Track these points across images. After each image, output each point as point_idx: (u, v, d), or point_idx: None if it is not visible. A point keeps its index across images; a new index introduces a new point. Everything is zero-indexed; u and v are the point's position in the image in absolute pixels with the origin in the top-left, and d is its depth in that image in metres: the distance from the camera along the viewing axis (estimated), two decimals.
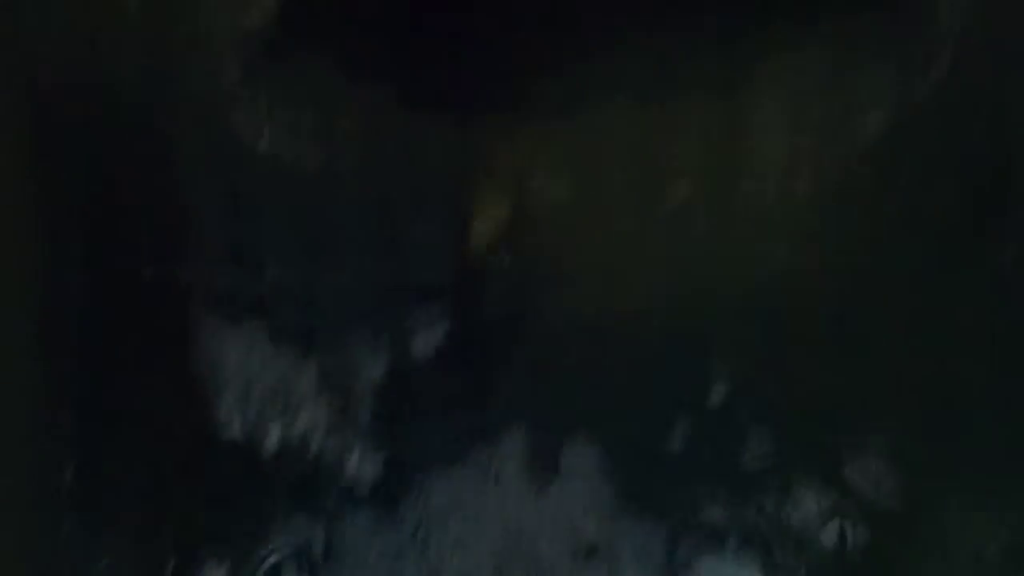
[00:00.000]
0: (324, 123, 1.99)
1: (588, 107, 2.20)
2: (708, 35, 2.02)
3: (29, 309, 1.95)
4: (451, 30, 2.11)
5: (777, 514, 1.87)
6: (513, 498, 1.97)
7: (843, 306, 2.09)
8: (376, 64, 2.08)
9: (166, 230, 2.06)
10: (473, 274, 2.14)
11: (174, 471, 2.01)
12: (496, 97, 2.19)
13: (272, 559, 1.95)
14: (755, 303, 2.10)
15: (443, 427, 2.06)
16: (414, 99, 2.14)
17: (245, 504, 1.98)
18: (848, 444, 1.90)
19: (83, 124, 1.83)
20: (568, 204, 2.13)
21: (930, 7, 1.68)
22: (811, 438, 1.93)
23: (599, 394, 2.06)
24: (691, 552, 1.93)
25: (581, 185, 2.15)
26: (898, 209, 2.05)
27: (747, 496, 1.89)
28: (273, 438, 2.07)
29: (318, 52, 2.01)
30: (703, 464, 1.98)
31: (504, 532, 1.98)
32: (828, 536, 1.88)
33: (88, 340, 2.07)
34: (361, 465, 2.06)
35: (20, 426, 1.89)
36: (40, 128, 1.84)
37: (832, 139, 1.99)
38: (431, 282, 2.13)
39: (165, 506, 1.98)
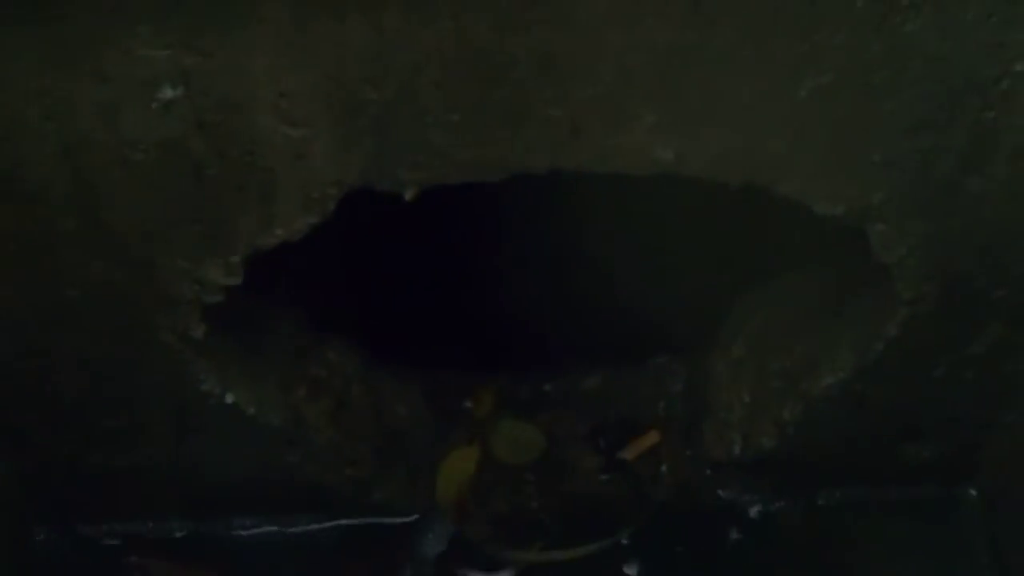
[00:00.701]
0: (287, 377, 1.98)
1: (552, 374, 2.21)
2: (679, 303, 2.05)
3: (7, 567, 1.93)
4: (419, 293, 2.13)
5: None
6: None
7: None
8: (345, 323, 2.09)
9: (136, 486, 2.05)
10: (442, 520, 2.13)
11: None
12: (461, 361, 2.20)
13: None
14: (714, 548, 2.09)
15: None
16: (384, 359, 2.14)
17: None
18: None
19: (61, 398, 1.84)
20: (527, 463, 2.13)
21: (886, 275, 1.70)
22: None
23: None
24: None
25: (543, 445, 2.15)
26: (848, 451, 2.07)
27: None
28: None
29: (284, 309, 2.02)
30: None
31: None
32: None
33: None
34: None
35: None
36: (9, 413, 1.85)
37: (793, 388, 1.99)
38: (400, 535, 2.12)
39: None
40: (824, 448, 2.06)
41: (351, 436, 2.04)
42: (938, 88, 1.43)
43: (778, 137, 1.51)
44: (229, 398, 1.86)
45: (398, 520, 2.13)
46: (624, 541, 2.12)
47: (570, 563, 2.09)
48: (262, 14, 1.31)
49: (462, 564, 2.10)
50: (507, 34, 1.35)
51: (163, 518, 2.12)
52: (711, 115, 1.48)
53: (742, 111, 1.47)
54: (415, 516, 2.14)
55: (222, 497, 2.08)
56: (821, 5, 1.33)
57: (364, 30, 1.33)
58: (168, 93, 1.39)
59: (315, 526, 2.14)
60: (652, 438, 2.15)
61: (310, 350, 2.04)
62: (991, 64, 1.40)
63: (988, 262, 1.69)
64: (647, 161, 1.54)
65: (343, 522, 2.13)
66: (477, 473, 2.11)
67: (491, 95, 1.43)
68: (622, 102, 1.45)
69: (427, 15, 1.32)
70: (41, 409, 1.87)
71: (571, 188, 1.64)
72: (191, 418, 1.89)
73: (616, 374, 2.20)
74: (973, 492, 2.15)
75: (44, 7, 1.28)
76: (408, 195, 1.55)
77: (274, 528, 2.13)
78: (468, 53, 1.37)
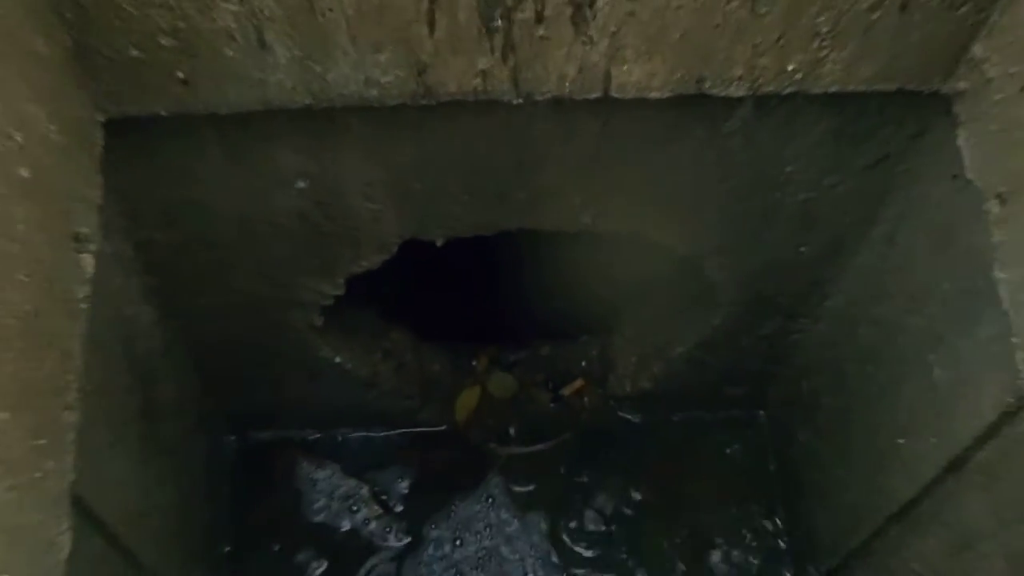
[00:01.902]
0: (370, 347, 1.96)
1: (523, 345, 2.19)
2: (596, 305, 2.02)
3: (198, 460, 1.90)
4: (445, 299, 2.10)
5: None
6: None
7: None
8: (403, 316, 2.07)
9: (282, 409, 2.02)
10: (458, 430, 2.10)
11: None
12: (470, 338, 2.18)
13: None
14: (614, 447, 2.06)
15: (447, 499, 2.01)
16: (425, 336, 2.12)
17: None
18: None
19: (238, 359, 1.81)
20: (508, 398, 2.12)
21: (713, 288, 1.68)
22: None
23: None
24: None
25: (516, 386, 2.13)
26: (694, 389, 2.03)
27: None
28: (346, 522, 2.00)
29: (369, 308, 2.00)
30: None
31: None
32: None
33: (236, 481, 2.01)
34: (396, 535, 1.99)
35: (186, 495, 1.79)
36: (208, 367, 1.82)
37: (660, 353, 1.98)
38: (435, 436, 2.10)
39: None
40: (678, 388, 2.03)
41: (406, 382, 2.02)
42: (747, 179, 1.41)
43: (653, 208, 1.49)
44: (337, 360, 1.83)
45: (434, 429, 2.10)
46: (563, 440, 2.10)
47: (532, 454, 2.07)
48: (352, 138, 1.28)
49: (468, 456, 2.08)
50: (495, 150, 1.33)
51: (302, 428, 2.08)
52: (612, 196, 1.46)
53: (630, 193, 1.45)
54: (443, 427, 2.10)
55: (334, 416, 2.05)
56: (676, 132, 1.30)
57: (412, 147, 1.31)
58: (300, 185, 1.36)
59: (386, 433, 2.09)
60: (579, 383, 2.14)
61: (382, 332, 2.02)
62: (775, 166, 1.38)
63: (774, 281, 1.67)
64: (575, 224, 1.52)
65: (402, 431, 2.09)
66: (479, 404, 2.09)
67: (486, 185, 1.41)
68: (560, 189, 1.43)
69: (449, 139, 1.30)
70: (229, 368, 1.83)
71: (534, 238, 1.60)
72: (316, 371, 1.86)
73: (559, 345, 2.20)
74: (762, 414, 2.12)
75: (225, 137, 1.24)
76: (439, 242, 1.53)
77: (363, 434, 2.09)
78: (473, 160, 1.35)
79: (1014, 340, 1.03)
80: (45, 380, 0.94)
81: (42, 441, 0.94)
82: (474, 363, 2.13)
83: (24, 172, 0.90)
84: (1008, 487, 1.15)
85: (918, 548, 1.42)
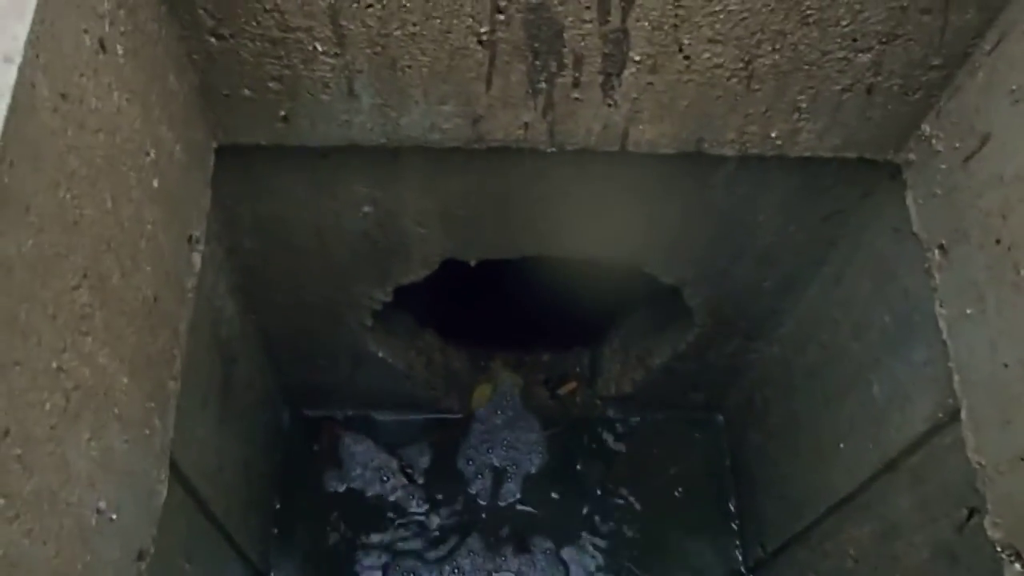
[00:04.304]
0: (407, 345, 1.92)
1: (528, 352, 2.14)
2: (588, 321, 1.98)
3: (260, 429, 1.84)
4: (467, 310, 2.06)
5: None
6: None
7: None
8: (433, 322, 2.02)
9: (330, 391, 1.98)
10: (471, 415, 2.05)
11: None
12: (485, 344, 2.13)
13: None
14: (598, 437, 2.02)
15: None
16: (450, 339, 2.06)
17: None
18: None
19: (299, 347, 1.77)
20: (517, 388, 2.07)
21: (689, 312, 1.65)
22: None
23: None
24: None
25: (522, 384, 2.08)
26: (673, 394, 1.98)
27: None
28: (376, 488, 1.95)
29: (408, 313, 1.96)
30: None
31: None
32: None
33: (288, 449, 1.96)
34: (417, 501, 1.94)
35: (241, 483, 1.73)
36: (274, 352, 1.77)
37: (641, 363, 1.94)
38: (453, 422, 2.05)
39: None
40: (653, 392, 1.99)
41: (434, 376, 1.98)
42: (724, 224, 1.39)
43: (646, 243, 1.47)
44: (380, 354, 1.79)
45: (454, 416, 2.04)
46: (558, 431, 2.05)
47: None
48: (412, 172, 1.26)
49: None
50: (525, 188, 1.31)
51: (345, 409, 2.03)
52: (616, 231, 1.43)
53: (630, 230, 1.43)
54: (460, 415, 2.05)
55: (373, 400, 2.00)
56: (671, 182, 1.29)
57: (459, 182, 1.29)
58: (367, 209, 1.34)
59: (415, 417, 2.04)
60: (572, 384, 2.09)
61: (417, 334, 1.98)
62: (749, 214, 1.36)
63: (737, 309, 1.65)
64: (584, 253, 1.50)
65: (426, 416, 2.04)
66: (491, 397, 2.04)
67: (514, 216, 1.39)
68: (574, 223, 1.41)
69: (490, 177, 1.28)
70: (292, 354, 1.79)
71: (543, 264, 1.57)
72: (361, 362, 1.82)
73: (557, 353, 2.16)
74: (720, 418, 2.08)
75: (310, 165, 1.22)
76: (472, 262, 1.50)
77: (397, 417, 2.03)
78: (506, 195, 1.33)
79: (951, 365, 1.01)
80: (158, 353, 0.91)
81: (152, 404, 0.91)
82: (488, 364, 2.09)
83: (155, 182, 0.88)
84: (934, 488, 1.13)
85: (852, 534, 1.39)
